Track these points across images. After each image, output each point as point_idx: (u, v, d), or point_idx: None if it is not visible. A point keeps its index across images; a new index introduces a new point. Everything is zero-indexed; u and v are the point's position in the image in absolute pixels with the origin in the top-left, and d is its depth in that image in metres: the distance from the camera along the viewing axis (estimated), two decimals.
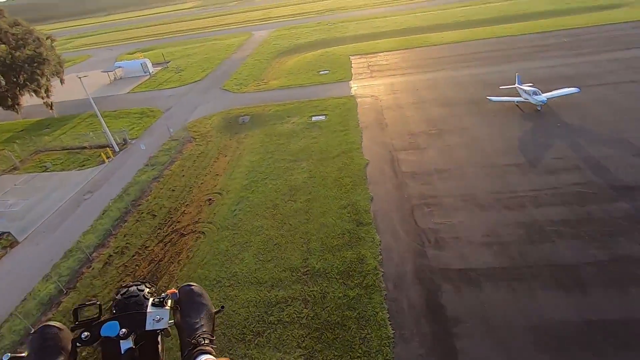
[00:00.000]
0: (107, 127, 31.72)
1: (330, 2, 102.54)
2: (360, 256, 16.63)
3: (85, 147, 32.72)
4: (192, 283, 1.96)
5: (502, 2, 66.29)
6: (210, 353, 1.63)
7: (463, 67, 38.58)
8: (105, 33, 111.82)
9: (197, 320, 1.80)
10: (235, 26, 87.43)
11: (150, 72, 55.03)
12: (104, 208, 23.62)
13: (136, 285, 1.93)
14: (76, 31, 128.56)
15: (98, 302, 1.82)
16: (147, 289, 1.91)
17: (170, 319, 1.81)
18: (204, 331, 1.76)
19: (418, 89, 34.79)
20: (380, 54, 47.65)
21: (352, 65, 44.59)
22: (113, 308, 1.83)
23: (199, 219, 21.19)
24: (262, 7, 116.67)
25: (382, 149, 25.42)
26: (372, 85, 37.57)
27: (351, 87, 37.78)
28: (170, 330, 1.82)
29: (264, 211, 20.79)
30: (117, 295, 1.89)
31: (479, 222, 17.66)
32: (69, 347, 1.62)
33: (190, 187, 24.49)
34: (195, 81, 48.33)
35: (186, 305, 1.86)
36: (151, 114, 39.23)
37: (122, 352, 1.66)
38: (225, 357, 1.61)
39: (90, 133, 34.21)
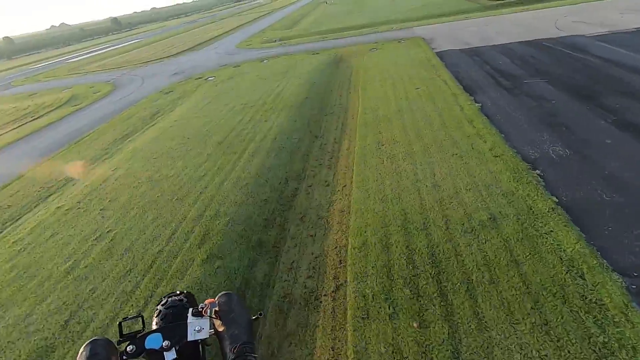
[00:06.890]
0: None
1: None
2: None
3: None
4: (229, 291, 1.76)
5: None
6: None
7: None
8: None
9: (235, 329, 1.58)
10: None
11: None
12: None
13: (176, 295, 1.81)
14: None
15: (141, 315, 1.73)
16: (186, 299, 1.79)
17: (210, 329, 1.61)
18: (244, 340, 1.55)
19: None
20: None
21: None
22: (155, 318, 1.70)
23: None
24: None
25: None
26: None
27: None
28: (210, 339, 1.68)
29: None
30: (158, 305, 1.76)
31: None
32: None
33: None
34: None
35: (225, 314, 1.63)
36: None
37: None
38: None
39: None
